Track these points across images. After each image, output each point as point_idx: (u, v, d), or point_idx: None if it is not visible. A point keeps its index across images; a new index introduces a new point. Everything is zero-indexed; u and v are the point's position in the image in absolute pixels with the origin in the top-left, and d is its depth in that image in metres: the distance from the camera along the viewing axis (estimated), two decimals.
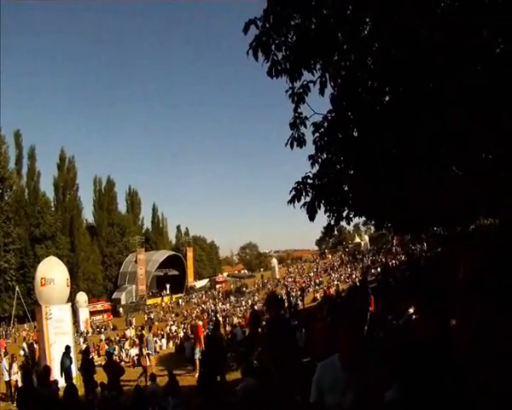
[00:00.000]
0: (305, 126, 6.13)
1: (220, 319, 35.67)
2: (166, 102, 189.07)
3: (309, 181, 6.46)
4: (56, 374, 17.21)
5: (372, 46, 5.49)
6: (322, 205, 6.59)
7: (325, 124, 6.31)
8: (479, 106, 5.26)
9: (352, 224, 8.86)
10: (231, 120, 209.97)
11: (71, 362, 17.54)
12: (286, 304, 35.41)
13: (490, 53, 4.91)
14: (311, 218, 6.36)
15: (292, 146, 6.11)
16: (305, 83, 5.52)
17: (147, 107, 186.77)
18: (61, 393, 13.50)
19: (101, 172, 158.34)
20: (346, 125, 6.43)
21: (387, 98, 6.26)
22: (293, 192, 6.31)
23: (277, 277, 75.96)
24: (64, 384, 14.62)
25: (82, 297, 58.53)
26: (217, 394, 11.88)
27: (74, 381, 16.94)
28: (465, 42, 4.69)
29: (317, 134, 6.32)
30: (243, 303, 50.02)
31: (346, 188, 7.23)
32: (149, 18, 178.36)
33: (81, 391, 14.94)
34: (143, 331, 31.81)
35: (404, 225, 19.90)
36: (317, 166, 6.70)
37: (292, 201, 6.31)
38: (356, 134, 6.63)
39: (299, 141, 6.12)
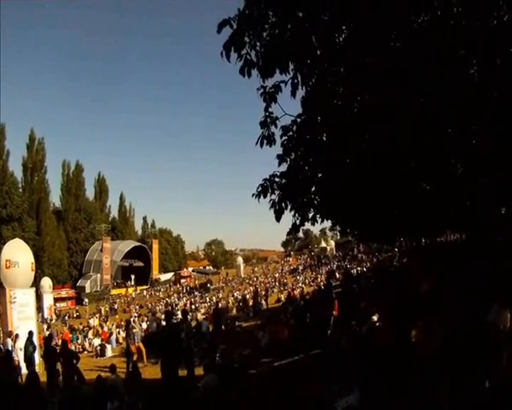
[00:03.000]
0: (276, 126, 6.17)
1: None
2: (139, 93, 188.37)
3: (276, 179, 6.53)
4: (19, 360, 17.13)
5: (346, 54, 5.54)
6: (288, 205, 6.65)
7: (294, 127, 6.38)
8: (452, 122, 5.48)
9: (317, 225, 8.98)
10: (202, 116, 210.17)
11: (34, 349, 17.25)
12: (251, 303, 35.72)
13: (465, 72, 5.13)
14: (278, 218, 6.43)
15: (262, 145, 6.14)
16: (277, 83, 5.54)
17: (119, 98, 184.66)
18: (22, 380, 13.47)
19: (69, 156, 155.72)
20: (315, 129, 6.52)
21: (358, 107, 6.37)
22: (260, 188, 6.38)
23: (242, 275, 76.23)
24: (26, 371, 14.56)
25: (46, 282, 57.38)
26: (181, 389, 11.96)
27: (37, 368, 16.85)
28: (441, 59, 4.88)
29: (285, 137, 6.40)
30: (207, 299, 49.93)
31: (312, 189, 7.38)
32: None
33: (44, 378, 14.92)
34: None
35: (369, 234, 20.27)
36: (284, 166, 6.76)
37: (258, 196, 6.37)
38: (324, 139, 6.77)
39: (269, 140, 6.14)
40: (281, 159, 6.75)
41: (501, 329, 4.65)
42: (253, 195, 6.42)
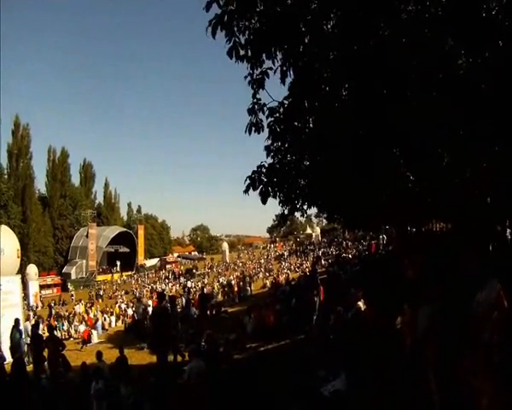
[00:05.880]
0: (264, 113, 6.14)
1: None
2: (124, 77, 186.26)
3: (264, 170, 6.50)
4: (4, 348, 17.07)
5: (335, 41, 5.48)
6: (277, 195, 6.71)
7: (281, 109, 6.33)
8: (439, 112, 5.49)
9: (305, 216, 9.02)
10: (189, 99, 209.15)
11: (20, 336, 17.11)
12: (236, 289, 35.81)
13: (452, 62, 5.13)
14: (264, 201, 6.42)
15: (250, 132, 6.08)
16: (264, 70, 5.48)
17: (103, 83, 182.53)
18: (7, 368, 13.43)
19: (55, 143, 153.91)
20: (302, 114, 6.50)
21: (345, 93, 6.33)
22: (248, 181, 6.36)
23: (227, 261, 76.28)
24: (11, 359, 14.52)
25: (32, 270, 56.34)
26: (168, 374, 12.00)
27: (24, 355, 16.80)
28: (429, 49, 4.87)
29: (271, 119, 6.34)
30: (193, 285, 49.80)
31: (299, 179, 7.40)
32: None
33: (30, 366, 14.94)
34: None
35: (355, 222, 20.37)
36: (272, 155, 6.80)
37: (247, 190, 6.36)
38: (311, 125, 6.75)
39: (257, 127, 6.11)
40: (268, 150, 6.76)
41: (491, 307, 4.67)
42: (244, 192, 6.41)
